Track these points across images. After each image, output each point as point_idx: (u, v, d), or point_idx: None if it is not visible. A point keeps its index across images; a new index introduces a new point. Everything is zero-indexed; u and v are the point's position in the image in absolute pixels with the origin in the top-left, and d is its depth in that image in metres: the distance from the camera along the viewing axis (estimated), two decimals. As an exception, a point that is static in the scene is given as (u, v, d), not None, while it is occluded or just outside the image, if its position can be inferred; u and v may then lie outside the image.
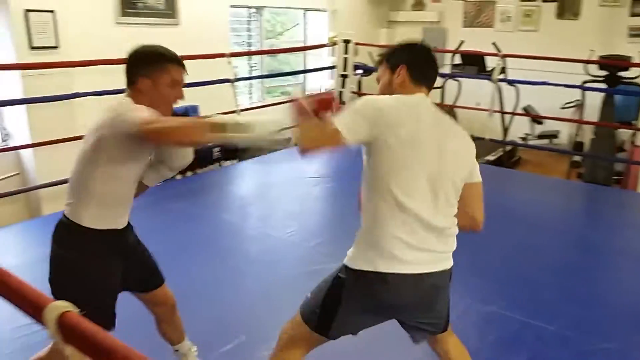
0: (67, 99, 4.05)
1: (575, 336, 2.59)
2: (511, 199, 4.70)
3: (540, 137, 7.30)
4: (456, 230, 1.71)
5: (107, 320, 1.78)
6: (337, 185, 4.85)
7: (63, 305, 0.87)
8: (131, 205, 1.87)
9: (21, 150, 4.27)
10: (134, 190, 1.85)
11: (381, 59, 1.80)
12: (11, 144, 4.36)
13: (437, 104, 1.78)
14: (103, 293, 1.79)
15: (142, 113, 1.63)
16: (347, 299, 1.63)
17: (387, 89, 1.73)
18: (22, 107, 4.12)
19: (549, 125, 7.17)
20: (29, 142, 4.15)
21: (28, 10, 4.06)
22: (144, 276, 1.99)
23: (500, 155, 6.58)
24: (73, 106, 4.29)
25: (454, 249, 1.74)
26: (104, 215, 1.76)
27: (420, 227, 1.59)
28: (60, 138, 3.99)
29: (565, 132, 7.14)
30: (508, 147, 6.68)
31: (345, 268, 1.65)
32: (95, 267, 1.76)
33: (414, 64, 1.72)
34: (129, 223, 1.90)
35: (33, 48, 4.11)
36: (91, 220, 1.75)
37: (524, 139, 7.31)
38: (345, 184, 4.90)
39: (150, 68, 1.77)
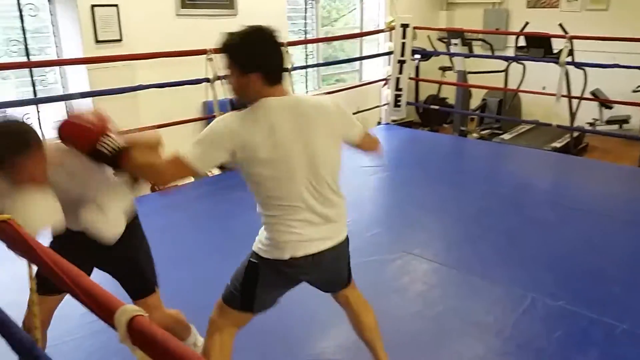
0: (131, 91, 4.18)
1: (650, 335, 2.46)
2: (579, 188, 4.50)
3: (610, 122, 6.93)
4: (344, 201, 1.86)
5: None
6: (394, 175, 4.79)
7: (133, 309, 0.89)
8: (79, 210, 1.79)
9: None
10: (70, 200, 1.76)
11: (223, 51, 1.69)
12: (79, 135, 4.54)
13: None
14: None
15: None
16: (261, 279, 1.79)
17: (245, 93, 1.69)
18: (88, 100, 4.28)
19: (618, 110, 6.80)
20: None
21: (94, 6, 4.20)
22: (120, 282, 1.98)
23: (567, 142, 6.30)
24: (137, 98, 4.42)
25: (346, 218, 1.90)
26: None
27: (313, 218, 1.73)
28: (125, 129, 4.10)
29: (637, 117, 6.74)
30: (575, 134, 6.38)
31: (256, 255, 1.80)
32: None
33: (267, 68, 1.65)
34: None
35: (98, 42, 4.26)
36: None
37: (591, 124, 6.97)
38: (401, 173, 4.84)
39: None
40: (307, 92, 6.69)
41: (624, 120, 6.85)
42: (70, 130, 1.65)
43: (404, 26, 5.94)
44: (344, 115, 1.83)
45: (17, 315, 2.01)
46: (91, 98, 4.24)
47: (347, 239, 1.90)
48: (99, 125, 1.65)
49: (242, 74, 1.64)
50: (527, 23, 6.56)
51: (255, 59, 1.64)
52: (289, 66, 5.01)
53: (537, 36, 6.27)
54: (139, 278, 1.99)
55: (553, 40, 6.04)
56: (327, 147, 1.73)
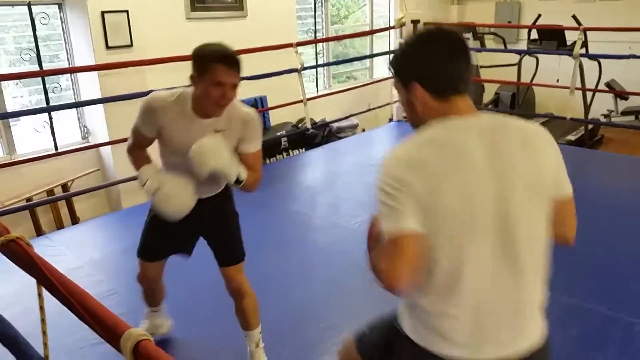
0: (142, 96, 4.17)
1: (669, 332, 2.42)
2: (593, 182, 4.43)
3: (625, 113, 6.82)
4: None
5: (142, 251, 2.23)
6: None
7: (139, 334, 0.89)
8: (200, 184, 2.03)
9: (101, 147, 4.48)
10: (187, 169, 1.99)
11: (392, 70, 1.31)
12: (92, 141, 4.59)
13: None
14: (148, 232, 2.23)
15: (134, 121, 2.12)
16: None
17: (412, 114, 1.27)
18: (100, 106, 4.32)
19: (634, 101, 6.69)
20: (107, 139, 4.35)
21: (104, 12, 4.23)
22: (216, 250, 2.19)
23: (581, 135, 6.21)
24: (148, 103, 4.44)
25: None
26: None
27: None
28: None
29: (654, 108, 6.63)
30: (590, 126, 6.29)
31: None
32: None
33: (427, 74, 1.22)
34: (212, 202, 2.12)
35: (109, 48, 4.29)
36: None
37: (606, 115, 6.86)
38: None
39: (196, 67, 1.89)
40: (317, 91, 6.68)
41: (640, 111, 6.75)
42: None
43: (415, 22, 5.90)
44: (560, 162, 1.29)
45: (25, 326, 2.06)
46: (103, 104, 4.28)
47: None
48: None
49: (404, 87, 1.26)
50: (539, 15, 6.48)
51: (415, 65, 1.25)
52: (299, 66, 5.01)
53: (550, 28, 6.19)
54: (237, 243, 2.19)
55: (566, 32, 5.97)
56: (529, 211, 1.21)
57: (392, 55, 1.36)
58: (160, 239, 2.19)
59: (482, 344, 1.21)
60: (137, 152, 2.14)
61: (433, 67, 1.22)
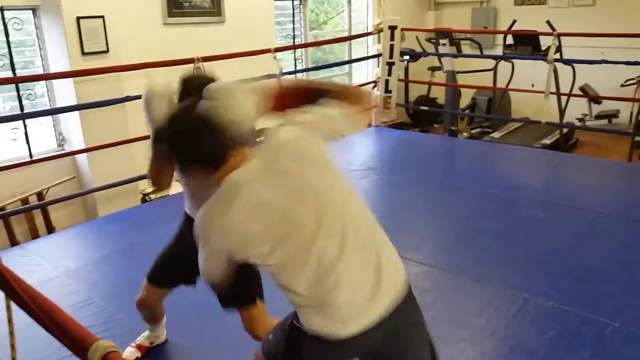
0: (118, 102, 4.17)
1: (642, 333, 2.46)
2: (569, 185, 4.51)
3: (599, 117, 6.96)
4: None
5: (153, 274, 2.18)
6: (385, 178, 4.79)
7: (107, 346, 0.88)
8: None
9: (77, 155, 4.42)
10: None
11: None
12: (67, 148, 4.53)
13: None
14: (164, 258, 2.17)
15: None
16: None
17: (207, 190, 1.40)
18: (75, 113, 4.26)
19: (608, 105, 6.83)
20: (83, 146, 4.30)
21: (80, 18, 4.18)
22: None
23: (556, 139, 6.32)
24: (125, 110, 4.40)
25: None
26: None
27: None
28: (113, 142, 4.10)
29: (626, 111, 6.77)
30: (565, 130, 6.40)
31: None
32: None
33: (208, 156, 1.35)
34: None
35: (84, 54, 4.24)
36: None
37: (581, 119, 6.99)
38: (392, 175, 4.84)
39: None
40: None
41: (613, 115, 6.89)
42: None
43: (392, 28, 5.95)
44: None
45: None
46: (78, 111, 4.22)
47: None
48: None
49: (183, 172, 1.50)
50: (514, 21, 6.59)
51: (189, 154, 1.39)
52: (278, 72, 5.01)
53: (524, 34, 6.29)
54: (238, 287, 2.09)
55: (541, 37, 6.07)
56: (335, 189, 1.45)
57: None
58: (179, 266, 2.12)
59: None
60: None
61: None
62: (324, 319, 1.36)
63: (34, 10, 4.27)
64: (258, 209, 1.32)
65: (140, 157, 4.61)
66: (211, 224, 1.35)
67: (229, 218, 1.31)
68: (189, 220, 2.00)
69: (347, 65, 7.57)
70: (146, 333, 2.42)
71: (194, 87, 1.76)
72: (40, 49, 4.36)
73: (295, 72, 6.46)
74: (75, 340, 0.95)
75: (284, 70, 5.18)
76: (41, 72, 4.39)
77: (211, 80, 1.80)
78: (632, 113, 6.49)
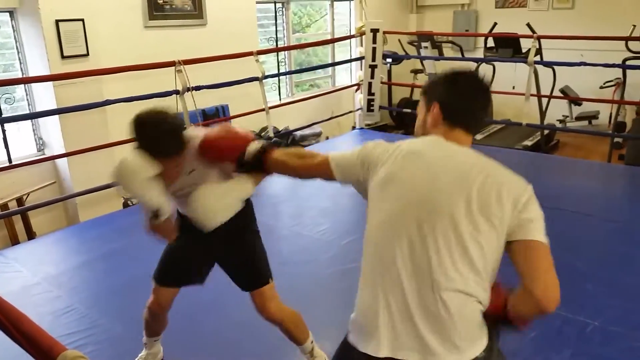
0: (98, 106, 4.12)
1: (621, 332, 2.49)
2: (550, 186, 4.55)
3: (579, 118, 7.05)
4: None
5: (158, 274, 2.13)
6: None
7: (74, 355, 0.87)
8: None
9: (57, 159, 4.36)
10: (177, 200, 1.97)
11: (421, 91, 1.55)
12: (47, 153, 4.47)
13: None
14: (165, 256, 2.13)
15: None
16: None
17: (421, 128, 1.51)
18: (55, 117, 4.21)
19: (588, 106, 6.93)
20: (63, 151, 4.24)
21: (59, 21, 4.14)
22: (233, 276, 2.10)
23: (537, 140, 6.39)
24: (105, 113, 4.36)
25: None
26: None
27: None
28: (94, 146, 4.06)
29: (605, 113, 6.87)
30: (546, 131, 6.48)
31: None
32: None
33: (449, 99, 1.43)
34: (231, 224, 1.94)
35: (64, 57, 4.20)
36: None
37: (562, 121, 7.08)
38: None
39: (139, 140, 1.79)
40: (280, 99, 6.68)
41: (593, 116, 6.98)
42: (219, 145, 1.75)
43: (374, 31, 5.97)
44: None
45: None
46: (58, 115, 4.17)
47: None
48: (243, 135, 1.75)
49: (426, 105, 1.48)
50: (495, 24, 6.65)
51: (442, 92, 1.46)
52: (260, 75, 5.00)
53: (505, 37, 6.36)
54: (254, 268, 2.08)
55: (521, 40, 6.14)
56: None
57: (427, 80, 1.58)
58: (182, 263, 2.12)
59: None
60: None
61: (455, 98, 1.44)
62: None
63: (11, 12, 4.21)
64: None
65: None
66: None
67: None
68: (184, 219, 1.98)
69: (330, 68, 7.59)
70: (143, 353, 2.37)
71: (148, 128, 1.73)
72: (18, 52, 4.31)
73: (278, 74, 6.46)
74: (42, 349, 0.93)
75: (266, 73, 5.17)
76: (20, 75, 4.33)
77: (163, 116, 1.75)
78: (611, 114, 6.59)
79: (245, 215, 2.06)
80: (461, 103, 1.43)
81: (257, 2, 6.21)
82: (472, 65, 6.82)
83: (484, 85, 1.46)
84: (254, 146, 1.71)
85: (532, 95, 5.55)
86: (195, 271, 2.13)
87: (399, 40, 7.23)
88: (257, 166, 1.72)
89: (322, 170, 1.57)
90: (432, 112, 1.44)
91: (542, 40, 5.62)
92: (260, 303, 2.08)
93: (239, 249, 2.08)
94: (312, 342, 2.24)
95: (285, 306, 2.13)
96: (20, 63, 4.33)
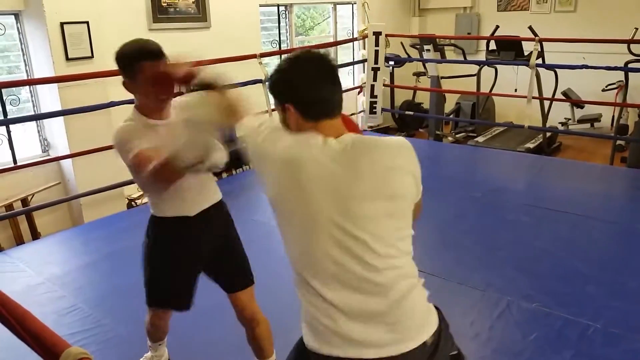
0: (102, 108, 4.14)
1: (622, 334, 2.50)
2: (552, 189, 4.57)
3: (581, 121, 7.06)
4: None
5: (162, 298, 2.03)
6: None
7: (78, 352, 0.88)
8: (200, 192, 1.93)
9: (62, 160, 4.39)
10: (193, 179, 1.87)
11: (269, 91, 1.43)
12: (52, 154, 4.50)
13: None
14: (161, 273, 1.98)
15: (128, 156, 1.74)
16: None
17: (288, 129, 1.38)
18: (60, 118, 4.24)
19: (590, 109, 6.93)
20: (68, 152, 4.27)
21: (63, 23, 4.16)
22: (223, 274, 2.06)
23: (539, 143, 6.40)
24: (110, 115, 4.39)
25: None
26: (166, 204, 1.91)
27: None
28: (98, 147, 4.08)
29: (607, 115, 6.88)
30: (548, 134, 6.49)
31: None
32: (157, 250, 1.97)
33: (299, 98, 1.32)
34: (214, 213, 1.95)
35: (69, 59, 4.23)
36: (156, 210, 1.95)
37: (564, 123, 7.09)
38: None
39: (124, 72, 1.80)
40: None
41: (595, 119, 6.99)
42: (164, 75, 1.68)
43: (377, 34, 5.99)
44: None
45: None
46: (63, 117, 4.20)
47: None
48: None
49: (280, 107, 1.38)
50: (497, 27, 6.67)
51: (288, 89, 1.35)
52: (263, 77, 5.02)
53: (507, 39, 6.36)
54: (245, 266, 2.08)
55: (523, 42, 6.15)
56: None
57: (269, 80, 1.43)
58: (178, 287, 2.01)
59: None
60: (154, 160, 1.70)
61: (303, 92, 1.33)
62: None
63: (16, 15, 4.24)
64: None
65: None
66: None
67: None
68: (178, 225, 1.92)
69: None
70: (148, 354, 2.37)
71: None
72: (24, 54, 4.34)
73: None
74: (46, 346, 0.95)
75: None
76: (25, 77, 4.37)
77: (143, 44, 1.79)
78: (613, 117, 6.59)
79: (224, 205, 2.06)
80: (312, 95, 1.32)
81: (261, 5, 6.24)
82: (474, 68, 6.84)
83: (323, 60, 1.35)
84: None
85: (534, 97, 5.56)
86: (186, 291, 2.02)
87: (402, 43, 7.25)
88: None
89: None
90: (290, 115, 1.34)
91: (544, 43, 5.63)
92: (246, 300, 2.05)
93: (233, 241, 2.06)
94: None
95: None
96: (26, 65, 4.36)
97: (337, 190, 1.25)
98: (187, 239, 1.94)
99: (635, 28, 6.04)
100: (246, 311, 2.07)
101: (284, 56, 1.39)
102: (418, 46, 6.98)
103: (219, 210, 2.00)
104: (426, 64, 6.83)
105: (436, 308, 1.41)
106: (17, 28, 4.28)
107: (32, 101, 4.44)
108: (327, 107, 1.33)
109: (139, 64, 1.74)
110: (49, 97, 4.31)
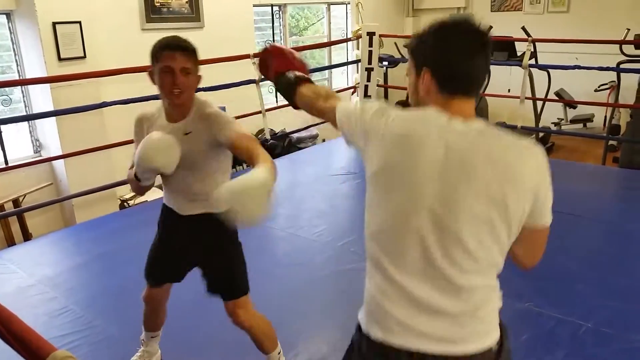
0: (95, 108, 4.13)
1: (614, 333, 2.51)
2: (545, 189, 4.58)
3: (574, 121, 7.09)
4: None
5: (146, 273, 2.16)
6: (364, 182, 4.81)
7: (63, 355, 0.88)
8: (187, 195, 1.98)
9: (53, 161, 4.37)
10: (178, 181, 1.96)
11: (408, 49, 1.33)
12: (44, 154, 4.47)
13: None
14: (151, 247, 2.16)
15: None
16: None
17: (414, 95, 1.29)
18: (52, 119, 4.22)
19: (582, 109, 6.96)
20: (60, 152, 4.25)
21: (55, 23, 4.15)
22: (208, 283, 2.07)
23: (532, 143, 6.42)
24: (102, 115, 4.37)
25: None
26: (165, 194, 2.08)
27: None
28: (91, 148, 4.07)
29: (600, 115, 6.91)
30: (540, 134, 6.51)
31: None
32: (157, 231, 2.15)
33: (441, 65, 1.20)
34: (204, 222, 1.96)
35: (61, 59, 4.21)
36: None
37: (557, 124, 7.12)
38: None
39: (151, 61, 1.86)
40: (277, 101, 6.70)
41: (588, 119, 7.02)
42: (277, 52, 1.74)
43: (371, 34, 5.99)
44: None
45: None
46: (55, 117, 4.18)
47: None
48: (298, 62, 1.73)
49: (415, 69, 1.26)
50: (490, 27, 6.66)
51: (432, 54, 1.22)
52: (257, 78, 5.01)
53: (500, 40, 6.38)
54: (227, 284, 2.06)
55: (517, 43, 6.17)
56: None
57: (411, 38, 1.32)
58: (159, 264, 2.14)
59: None
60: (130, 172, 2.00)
61: (448, 61, 1.20)
62: None
63: (8, 14, 4.22)
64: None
65: (119, 163, 4.58)
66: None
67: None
68: (171, 215, 2.03)
69: (327, 71, 7.61)
70: (139, 351, 2.37)
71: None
72: (15, 54, 4.32)
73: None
74: (31, 350, 0.94)
75: (263, 76, 5.18)
76: (17, 77, 4.35)
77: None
78: (606, 117, 6.62)
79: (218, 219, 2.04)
80: (457, 66, 1.19)
81: (254, 5, 6.24)
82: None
83: (481, 33, 1.21)
84: (294, 74, 1.68)
85: (527, 98, 5.58)
86: (173, 270, 2.13)
87: (395, 43, 7.25)
88: (287, 93, 1.67)
89: (332, 120, 1.43)
90: (423, 81, 1.22)
91: (537, 43, 5.65)
92: (230, 309, 2.06)
93: (217, 262, 2.04)
94: (279, 353, 2.21)
95: (258, 314, 2.11)
96: (17, 65, 4.34)
97: (447, 178, 1.14)
98: (170, 229, 2.08)
99: (627, 29, 6.06)
100: (231, 318, 2.08)
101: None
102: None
103: (206, 223, 1.96)
104: (420, 65, 6.83)
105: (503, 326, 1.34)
106: (9, 28, 4.26)
107: (24, 101, 4.42)
108: (467, 83, 1.21)
109: (160, 52, 1.81)
110: (41, 98, 4.29)
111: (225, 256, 2.05)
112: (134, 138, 2.01)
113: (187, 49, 1.83)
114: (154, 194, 3.56)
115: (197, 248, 2.02)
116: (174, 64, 1.79)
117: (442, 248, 1.16)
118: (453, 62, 1.19)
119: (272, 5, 6.55)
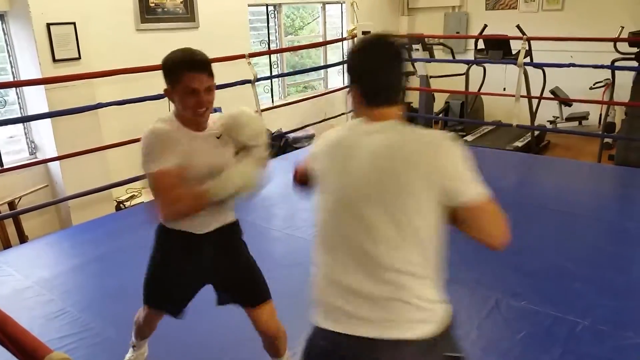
0: (90, 109, 4.12)
1: (610, 330, 2.52)
2: (540, 186, 4.60)
3: (569, 119, 7.11)
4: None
5: (158, 301, 2.04)
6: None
7: (60, 357, 0.87)
8: (213, 214, 1.88)
9: (49, 163, 4.36)
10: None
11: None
12: (40, 156, 4.46)
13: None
14: (161, 279, 1.98)
15: (148, 167, 1.73)
16: None
17: (353, 107, 1.46)
18: (47, 120, 4.20)
19: (578, 107, 6.98)
20: (56, 154, 4.24)
21: (50, 24, 4.13)
22: (237, 292, 2.02)
23: (528, 141, 6.44)
24: (98, 116, 4.36)
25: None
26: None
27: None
28: (86, 149, 4.06)
29: (595, 113, 6.93)
30: (536, 132, 6.53)
31: None
32: (160, 257, 1.97)
33: (363, 81, 1.38)
34: (223, 235, 1.93)
35: (56, 61, 4.19)
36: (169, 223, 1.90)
37: (552, 122, 7.14)
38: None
39: (167, 79, 1.79)
40: (272, 102, 6.69)
41: (583, 117, 7.04)
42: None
43: (365, 33, 5.99)
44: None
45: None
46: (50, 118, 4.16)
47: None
48: None
49: (350, 86, 1.43)
50: (485, 26, 6.69)
51: (355, 72, 1.41)
52: (252, 77, 5.01)
53: (495, 38, 6.39)
54: (259, 282, 2.03)
55: (511, 41, 6.18)
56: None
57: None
58: (180, 291, 2.00)
59: None
60: (181, 191, 1.72)
61: (367, 79, 1.38)
62: None
63: (1, 16, 4.20)
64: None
65: (114, 164, 4.57)
66: None
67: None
68: (188, 239, 1.89)
69: (322, 70, 7.61)
70: (131, 355, 2.35)
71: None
72: (9, 56, 4.30)
73: (270, 77, 6.47)
74: (27, 352, 0.94)
75: (259, 76, 5.19)
76: (11, 78, 4.33)
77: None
78: (601, 115, 6.64)
79: (238, 225, 2.03)
80: (375, 81, 1.37)
81: (249, 5, 6.23)
82: (463, 67, 6.87)
83: (392, 49, 1.37)
84: None
85: (522, 96, 5.59)
86: (194, 292, 2.02)
87: (391, 42, 7.26)
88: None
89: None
90: (354, 96, 1.40)
91: (532, 41, 5.66)
92: (266, 317, 2.01)
93: (244, 267, 2.01)
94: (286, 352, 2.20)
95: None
96: (12, 66, 4.32)
97: (368, 175, 1.31)
98: (191, 254, 1.91)
99: (622, 27, 6.08)
100: (264, 328, 2.03)
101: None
102: (407, 45, 6.99)
103: (229, 232, 1.96)
104: (415, 64, 6.83)
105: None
106: (3, 29, 4.24)
107: (19, 103, 4.41)
108: (387, 94, 1.37)
109: (181, 72, 1.73)
110: (36, 99, 4.28)
111: (250, 259, 2.04)
112: (151, 157, 1.73)
113: (208, 66, 1.77)
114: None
115: (223, 261, 1.96)
116: (200, 85, 1.72)
117: (370, 238, 1.30)
118: (372, 79, 1.37)
119: (267, 5, 6.54)
